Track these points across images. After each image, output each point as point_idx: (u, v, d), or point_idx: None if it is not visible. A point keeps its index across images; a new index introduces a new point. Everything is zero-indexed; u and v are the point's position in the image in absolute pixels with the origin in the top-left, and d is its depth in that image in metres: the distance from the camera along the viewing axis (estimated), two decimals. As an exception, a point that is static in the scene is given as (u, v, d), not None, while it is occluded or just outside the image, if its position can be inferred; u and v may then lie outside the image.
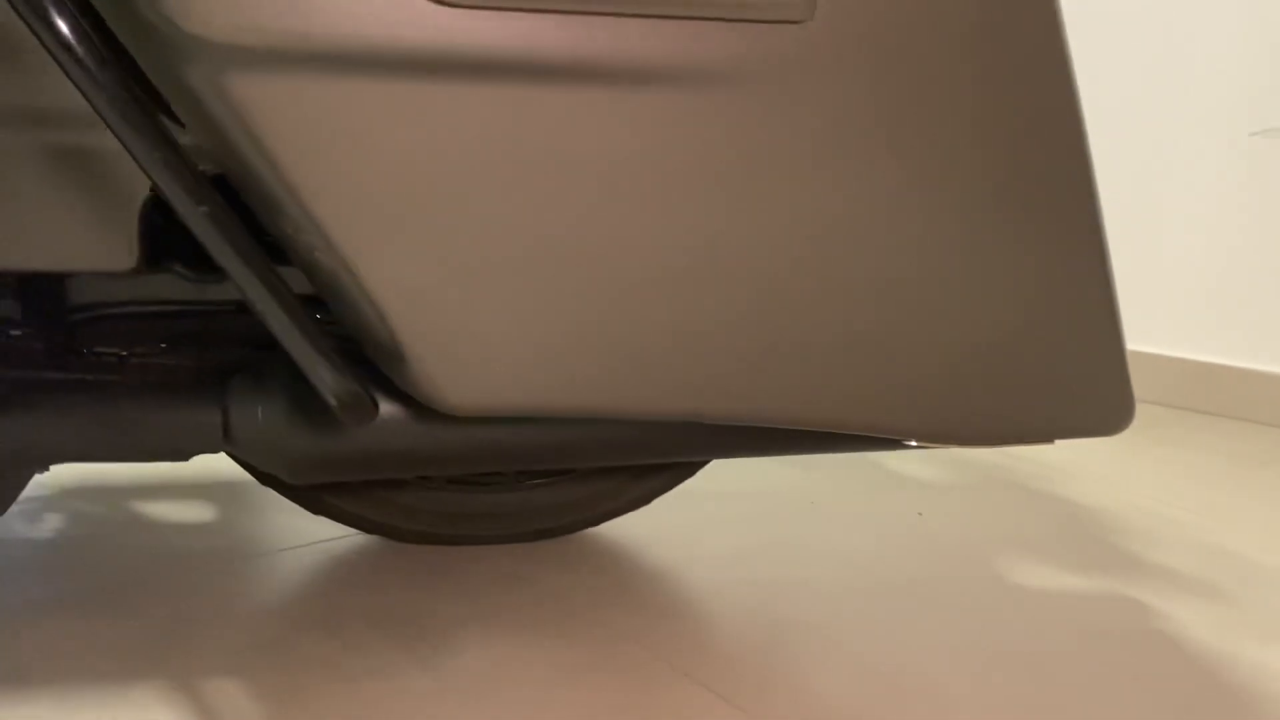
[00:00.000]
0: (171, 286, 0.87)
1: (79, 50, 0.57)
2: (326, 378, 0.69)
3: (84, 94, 0.58)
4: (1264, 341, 1.70)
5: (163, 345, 0.87)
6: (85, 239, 0.75)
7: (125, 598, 0.97)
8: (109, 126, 0.60)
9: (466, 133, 0.61)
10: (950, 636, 0.95)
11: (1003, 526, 1.24)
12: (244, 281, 0.65)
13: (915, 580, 1.07)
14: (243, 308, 0.88)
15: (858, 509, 1.27)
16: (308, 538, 1.13)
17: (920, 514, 1.26)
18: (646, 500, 1.10)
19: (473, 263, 0.65)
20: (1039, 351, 0.77)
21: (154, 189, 0.75)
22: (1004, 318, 0.75)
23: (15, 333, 0.88)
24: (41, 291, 0.87)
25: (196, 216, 0.61)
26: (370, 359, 0.73)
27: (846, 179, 0.67)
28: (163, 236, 0.80)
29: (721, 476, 1.35)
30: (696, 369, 0.71)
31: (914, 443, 0.83)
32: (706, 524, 1.20)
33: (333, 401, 0.70)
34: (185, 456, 0.81)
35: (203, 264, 0.84)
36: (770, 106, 0.64)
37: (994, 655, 0.92)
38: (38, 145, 0.72)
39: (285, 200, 0.62)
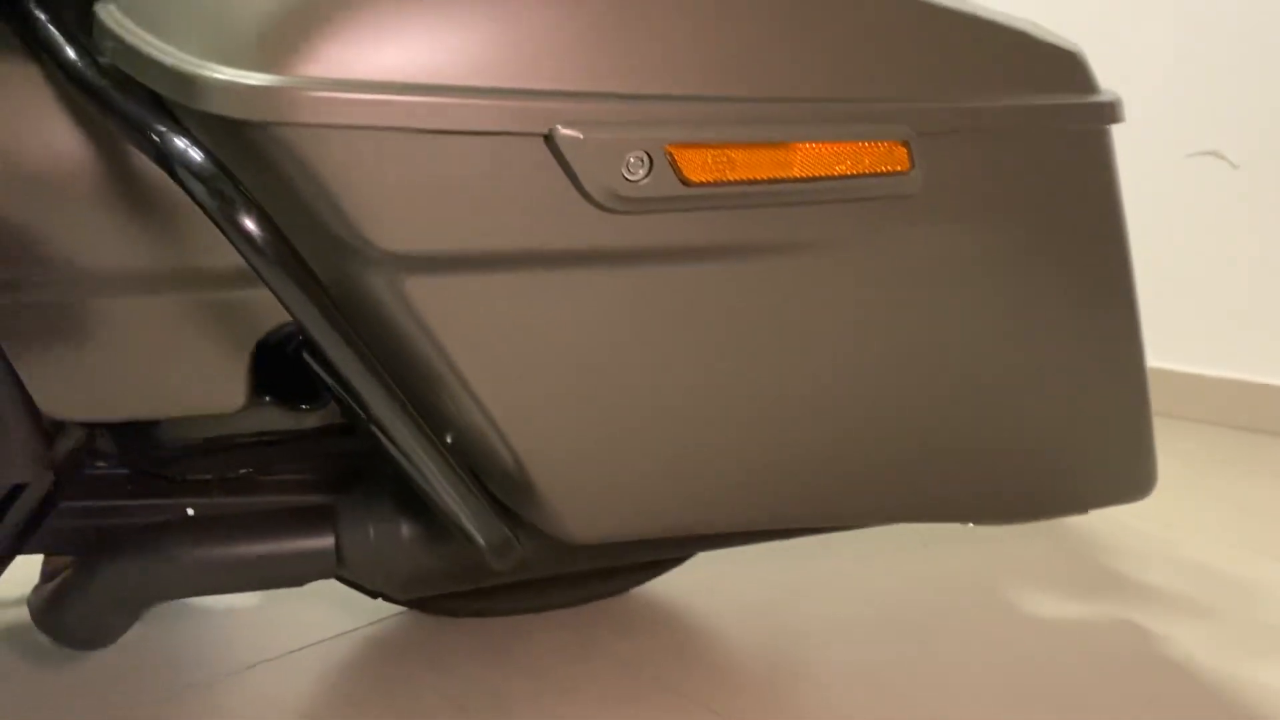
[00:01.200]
0: (264, 416, 0.89)
1: (270, 252, 0.60)
2: (476, 523, 0.74)
3: (266, 283, 0.62)
4: (1202, 347, 1.84)
5: (254, 471, 0.89)
6: (198, 385, 0.78)
7: (202, 709, 1.00)
8: (290, 312, 0.63)
9: (611, 307, 0.66)
10: (972, 673, 1.04)
11: (999, 553, 1.34)
12: (397, 434, 0.69)
13: (933, 614, 1.17)
14: (328, 431, 0.91)
15: (867, 545, 1.36)
16: (351, 622, 1.16)
17: (925, 544, 1.35)
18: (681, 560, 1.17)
19: (610, 416, 0.70)
20: (1088, 438, 0.86)
21: (267, 334, 0.78)
22: (1061, 415, 0.84)
23: (101, 464, 0.89)
24: (130, 423, 0.88)
25: (371, 394, 0.65)
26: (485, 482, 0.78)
27: (940, 316, 0.74)
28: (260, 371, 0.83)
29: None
30: (800, 486, 0.78)
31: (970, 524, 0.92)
32: (733, 571, 1.27)
33: (481, 544, 0.74)
34: (300, 583, 0.85)
35: (297, 396, 0.87)
36: (876, 263, 0.71)
37: (1014, 691, 1.01)
38: (161, 304, 0.74)
39: (447, 378, 0.66)
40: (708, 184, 0.62)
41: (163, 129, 0.59)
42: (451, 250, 0.61)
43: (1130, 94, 1.82)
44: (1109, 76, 1.83)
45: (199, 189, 0.59)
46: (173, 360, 0.76)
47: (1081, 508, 0.93)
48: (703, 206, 0.63)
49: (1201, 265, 1.81)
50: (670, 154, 0.61)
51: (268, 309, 0.77)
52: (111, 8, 0.68)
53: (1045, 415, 0.84)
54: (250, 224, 0.60)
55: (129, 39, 0.63)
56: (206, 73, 0.55)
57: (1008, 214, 0.74)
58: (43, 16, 0.69)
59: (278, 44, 0.55)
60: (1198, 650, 1.10)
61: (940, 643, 1.11)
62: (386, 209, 0.59)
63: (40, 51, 0.69)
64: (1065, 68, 0.74)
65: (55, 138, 0.70)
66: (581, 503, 0.74)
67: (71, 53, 0.67)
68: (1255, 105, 1.75)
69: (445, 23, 0.57)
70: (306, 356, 0.77)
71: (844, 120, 0.65)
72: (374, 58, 0.56)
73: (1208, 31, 1.76)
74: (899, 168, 0.67)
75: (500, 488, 0.77)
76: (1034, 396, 0.82)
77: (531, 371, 0.67)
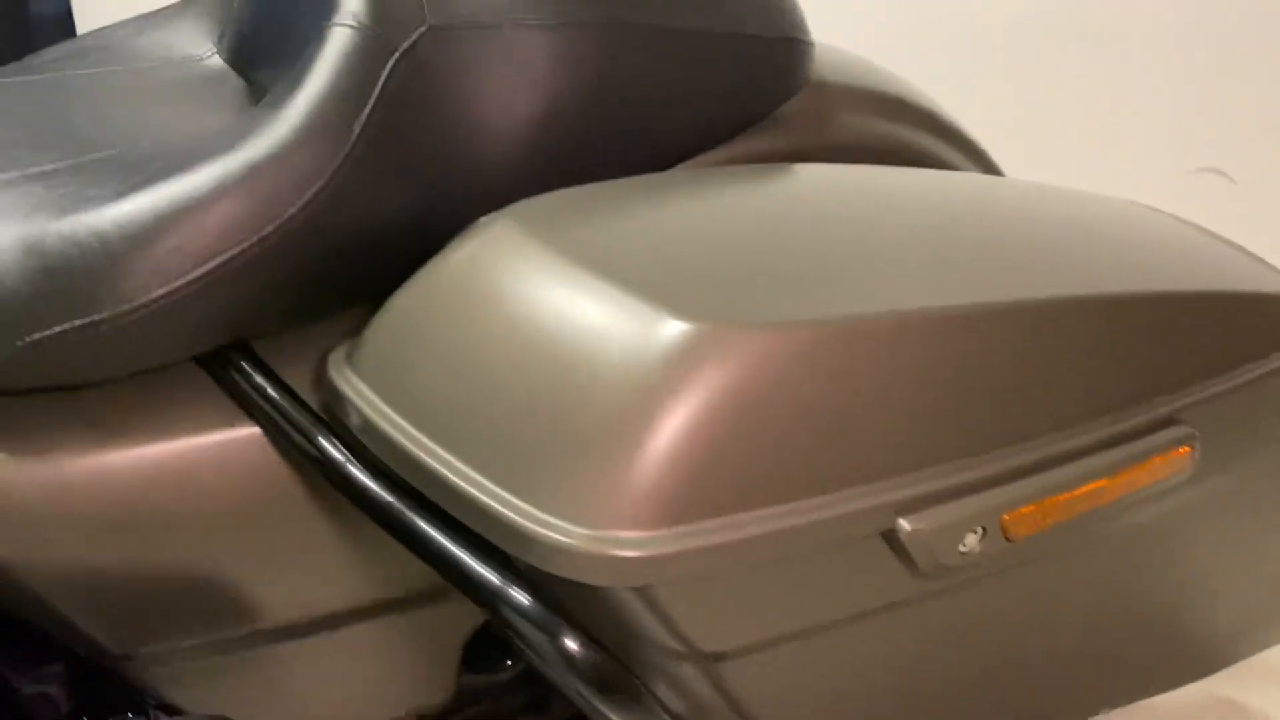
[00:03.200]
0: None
1: (586, 667, 0.56)
2: None
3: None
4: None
5: None
6: (410, 693, 0.74)
7: None
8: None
9: (904, 632, 0.64)
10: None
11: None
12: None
13: None
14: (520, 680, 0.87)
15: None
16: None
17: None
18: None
19: (871, 697, 0.68)
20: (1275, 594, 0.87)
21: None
22: (1258, 579, 0.85)
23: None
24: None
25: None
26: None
27: (1184, 541, 0.75)
28: None
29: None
30: (1023, 705, 0.77)
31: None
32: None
33: None
34: None
35: (495, 661, 0.83)
36: (1138, 529, 0.70)
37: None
38: (373, 630, 0.70)
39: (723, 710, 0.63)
40: (1029, 535, 0.60)
41: (483, 571, 0.54)
42: (769, 636, 0.58)
43: (1130, 107, 1.83)
44: (1108, 87, 1.83)
45: (529, 631, 0.54)
46: (386, 678, 0.72)
47: (1253, 651, 0.95)
48: (1017, 552, 0.61)
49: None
50: (1003, 521, 0.58)
51: (474, 612, 0.73)
52: (346, 371, 0.61)
53: (1246, 584, 0.85)
54: (574, 646, 0.55)
55: (392, 434, 0.56)
56: (563, 539, 0.50)
57: (1247, 450, 0.74)
58: (258, 376, 0.62)
59: (634, 498, 0.50)
60: None
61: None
62: (718, 619, 0.55)
63: (254, 410, 0.62)
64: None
65: (264, 493, 0.64)
66: None
67: (302, 420, 0.61)
68: (1254, 120, 1.78)
69: (777, 443, 0.53)
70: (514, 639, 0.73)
71: (1141, 436, 0.63)
72: (722, 495, 0.51)
73: (1208, 47, 1.77)
74: (1185, 469, 0.66)
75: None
76: (1240, 572, 0.83)
77: (828, 695, 0.65)
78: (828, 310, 0.55)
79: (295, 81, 0.60)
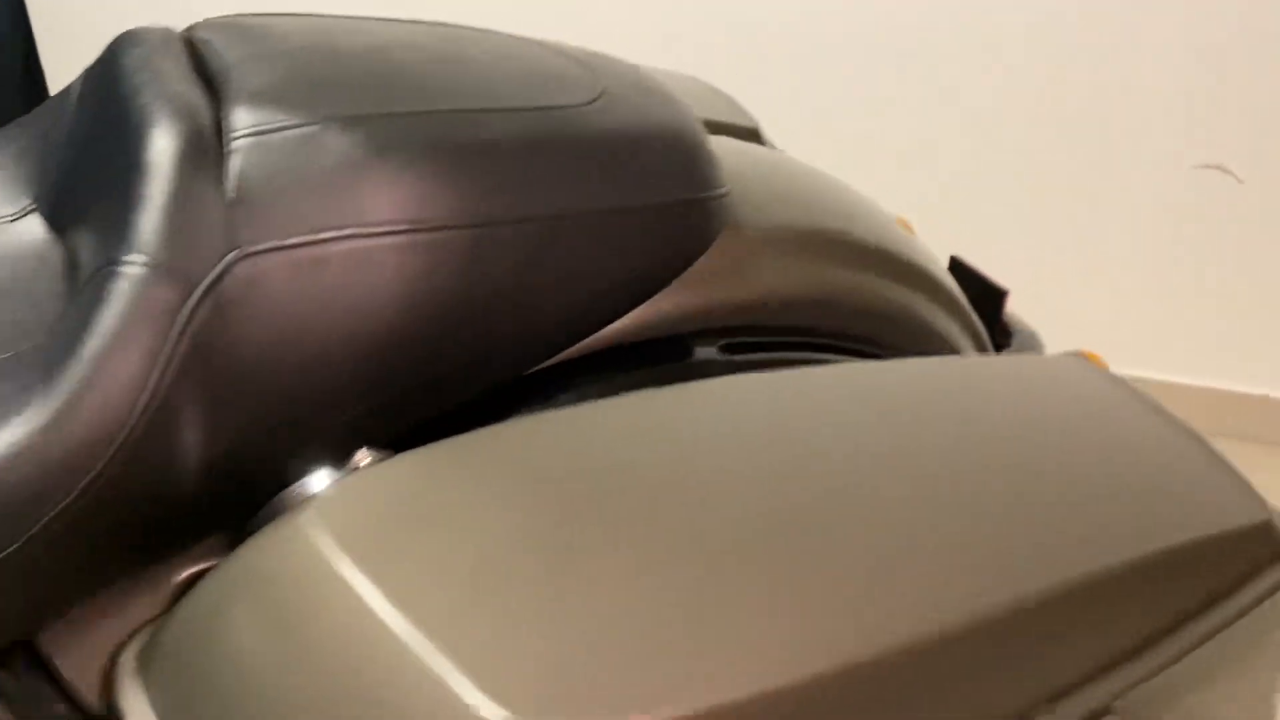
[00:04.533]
0: None
1: None
2: None
3: None
4: (1207, 360, 1.81)
5: None
6: None
7: None
8: None
9: None
10: None
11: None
12: None
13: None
14: None
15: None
16: None
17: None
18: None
19: None
20: None
21: None
22: None
23: None
24: None
25: None
26: None
27: None
28: None
29: None
30: None
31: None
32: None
33: None
34: None
35: None
36: None
37: None
38: None
39: None
40: None
41: None
42: None
43: (1133, 101, 1.70)
44: (1111, 80, 1.70)
45: None
46: None
47: None
48: None
49: (1204, 277, 1.76)
50: None
51: None
52: (138, 685, 0.51)
53: None
54: None
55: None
56: None
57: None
58: (35, 682, 0.54)
59: None
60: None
61: None
62: None
63: None
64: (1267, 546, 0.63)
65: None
66: None
67: None
68: (1260, 116, 1.66)
69: None
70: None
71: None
72: None
73: (1215, 39, 1.64)
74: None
75: None
76: None
77: None
78: (682, 695, 0.45)
79: (72, 339, 0.50)
